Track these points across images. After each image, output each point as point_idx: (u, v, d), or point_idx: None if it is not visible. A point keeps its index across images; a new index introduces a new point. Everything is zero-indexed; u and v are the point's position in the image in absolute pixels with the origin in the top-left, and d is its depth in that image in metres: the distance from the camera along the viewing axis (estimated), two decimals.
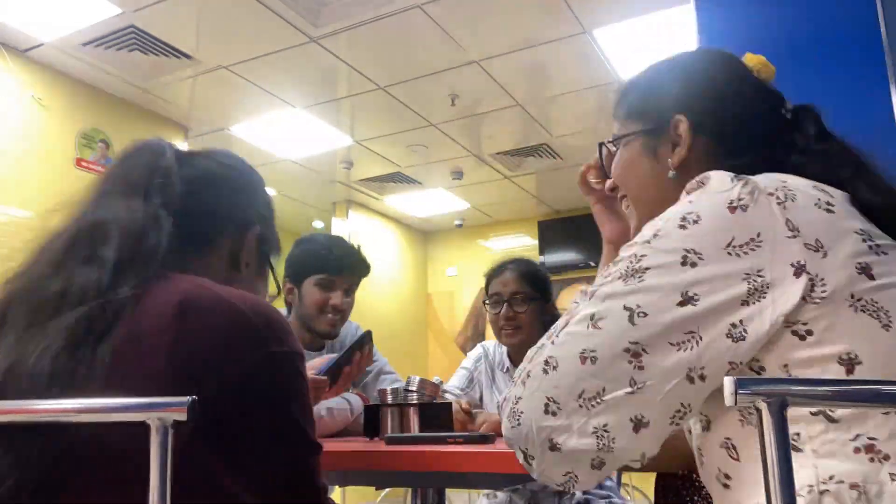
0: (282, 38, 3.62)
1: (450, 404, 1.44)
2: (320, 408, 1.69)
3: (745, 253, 0.69)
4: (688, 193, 0.77)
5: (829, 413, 0.66)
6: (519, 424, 0.73)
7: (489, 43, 3.69)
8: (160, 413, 0.55)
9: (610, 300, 0.72)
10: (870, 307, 0.68)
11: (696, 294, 0.69)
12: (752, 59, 0.93)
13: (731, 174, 0.75)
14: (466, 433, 1.18)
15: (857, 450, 0.65)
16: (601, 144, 1.02)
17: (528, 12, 3.40)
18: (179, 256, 0.82)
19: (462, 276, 7.04)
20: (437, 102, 4.36)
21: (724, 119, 0.87)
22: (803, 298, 0.67)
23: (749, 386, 0.52)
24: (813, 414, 0.67)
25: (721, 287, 0.69)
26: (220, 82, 4.04)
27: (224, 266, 0.90)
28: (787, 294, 0.67)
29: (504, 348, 2.16)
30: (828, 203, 0.73)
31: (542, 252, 6.47)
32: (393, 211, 6.63)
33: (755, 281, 0.68)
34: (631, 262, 0.73)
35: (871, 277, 0.69)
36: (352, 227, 6.18)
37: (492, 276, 2.11)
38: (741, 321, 0.68)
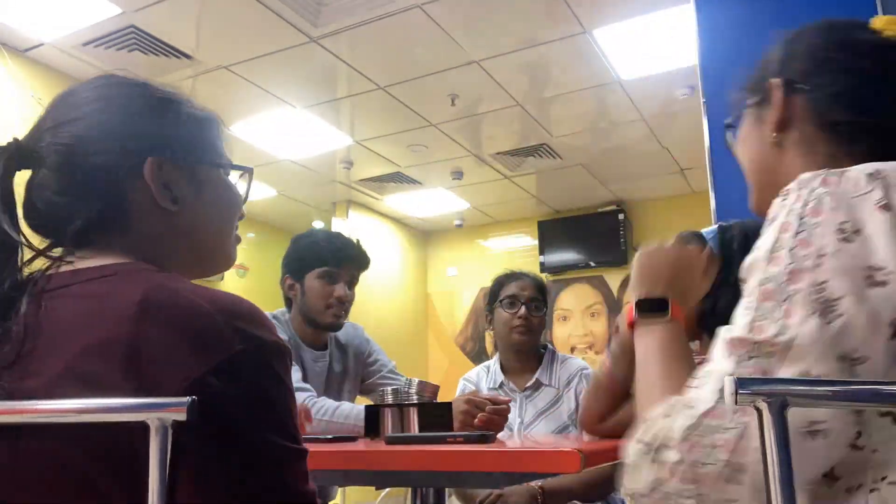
0: (282, 38, 3.62)
1: (449, 404, 1.44)
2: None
3: None
4: (803, 190, 0.68)
5: None
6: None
7: (489, 43, 3.69)
8: (160, 413, 0.55)
9: (820, 350, 0.60)
10: None
11: None
12: (878, 21, 0.87)
13: (856, 174, 0.67)
14: (466, 433, 1.18)
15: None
16: (726, 126, 0.97)
17: (528, 12, 3.40)
18: (113, 237, 0.75)
19: (462, 276, 7.04)
20: (437, 102, 4.35)
21: (818, 76, 0.83)
22: None
23: (749, 386, 0.52)
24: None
25: None
26: (220, 82, 4.04)
27: (156, 221, 0.78)
28: None
29: (497, 364, 2.22)
30: None
31: (542, 252, 6.47)
32: (393, 211, 6.63)
33: None
34: (814, 293, 0.62)
35: None
36: (352, 227, 6.18)
37: (508, 279, 2.23)
38: None
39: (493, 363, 2.26)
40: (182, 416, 0.55)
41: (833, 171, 0.69)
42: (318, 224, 6.72)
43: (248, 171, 0.87)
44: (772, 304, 0.63)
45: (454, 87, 4.17)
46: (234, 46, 3.72)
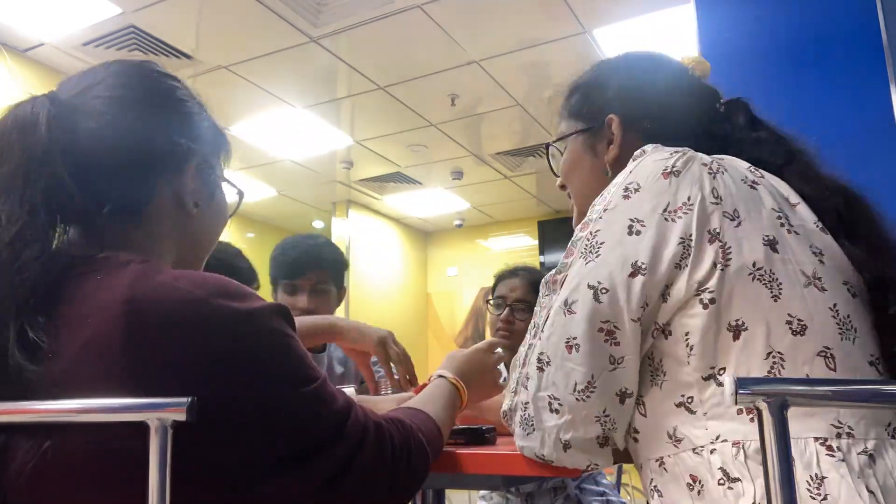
0: (282, 38, 3.62)
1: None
2: None
3: (679, 217, 0.74)
4: (630, 163, 0.82)
5: (718, 376, 0.71)
6: (533, 430, 0.76)
7: (489, 43, 3.69)
8: (160, 413, 0.55)
9: (577, 281, 0.76)
10: (766, 277, 0.72)
11: (643, 264, 0.73)
12: (687, 60, 0.99)
13: (673, 148, 0.80)
14: (466, 433, 1.18)
15: (739, 411, 0.70)
16: (547, 145, 1.08)
17: (528, 12, 3.40)
18: (123, 228, 0.74)
19: (462, 276, 7.04)
20: (437, 102, 4.35)
21: (654, 116, 0.93)
22: (714, 265, 0.72)
23: (749, 386, 0.52)
24: (704, 378, 0.72)
25: (660, 253, 0.73)
26: (220, 82, 4.04)
27: (173, 219, 0.78)
28: (703, 260, 0.72)
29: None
30: (753, 182, 0.79)
31: (542, 252, 6.47)
32: (393, 211, 6.63)
33: (685, 245, 0.73)
34: (588, 239, 0.77)
35: (776, 251, 0.73)
36: (352, 227, 6.18)
37: (501, 278, 2.13)
38: (671, 283, 0.73)
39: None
40: (182, 416, 0.55)
41: (652, 145, 0.82)
42: (317, 224, 6.72)
43: (241, 193, 0.91)
44: (567, 250, 0.80)
45: (454, 87, 4.17)
46: (234, 46, 3.71)
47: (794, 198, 0.81)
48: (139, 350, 0.61)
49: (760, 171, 0.82)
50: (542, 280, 0.81)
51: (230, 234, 1.03)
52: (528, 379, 0.77)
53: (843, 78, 1.91)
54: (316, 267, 1.97)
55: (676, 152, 0.79)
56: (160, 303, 0.63)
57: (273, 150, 4.97)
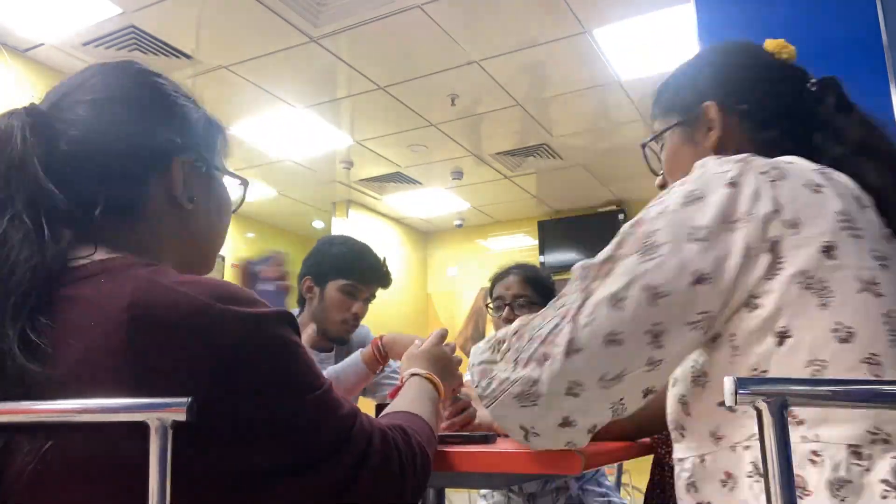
0: (282, 38, 3.62)
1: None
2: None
3: (740, 228, 0.73)
4: (692, 172, 0.80)
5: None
6: (534, 405, 0.75)
7: (489, 43, 3.69)
8: (160, 413, 0.55)
9: (629, 278, 0.73)
10: (816, 285, 0.71)
11: (706, 273, 0.72)
12: (771, 44, 0.98)
13: (734, 157, 0.79)
14: (466, 433, 1.18)
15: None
16: (643, 145, 1.07)
17: (528, 12, 3.40)
18: (117, 232, 0.73)
19: (462, 276, 7.04)
20: (437, 102, 4.35)
21: (749, 98, 0.93)
22: (765, 274, 0.72)
23: (749, 386, 0.52)
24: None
25: (724, 263, 0.72)
26: (220, 82, 4.04)
27: (170, 216, 0.78)
28: (757, 269, 0.72)
29: None
30: (818, 184, 0.77)
31: (542, 252, 6.47)
32: (393, 211, 6.63)
33: (746, 255, 0.72)
34: (645, 238, 0.75)
35: (832, 257, 0.72)
36: (352, 227, 6.18)
37: (496, 279, 2.11)
38: (733, 293, 0.73)
39: None
40: (182, 416, 0.55)
41: (715, 156, 0.81)
42: (317, 224, 6.72)
43: (244, 182, 0.90)
44: (615, 242, 0.78)
45: (454, 87, 4.17)
46: (234, 46, 3.71)
47: (865, 199, 0.79)
48: (143, 355, 0.61)
49: (828, 170, 0.80)
50: (577, 265, 0.79)
51: (229, 235, 1.04)
52: (546, 359, 0.74)
53: (843, 78, 1.91)
54: (385, 282, 2.06)
55: (738, 161, 0.78)
56: (164, 307, 0.63)
57: (273, 150, 4.97)
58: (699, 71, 0.99)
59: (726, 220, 0.73)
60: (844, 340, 0.70)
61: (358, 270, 1.99)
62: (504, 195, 6.15)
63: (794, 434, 0.68)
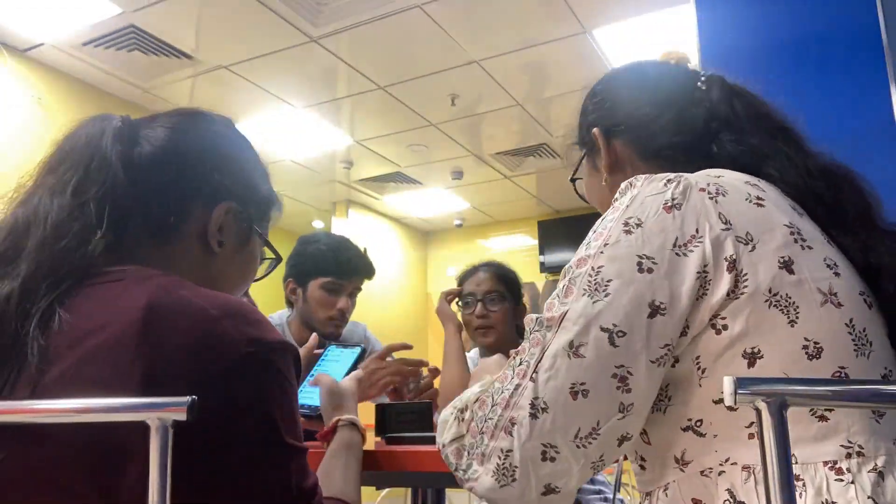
0: (282, 38, 3.62)
1: (429, 404, 1.43)
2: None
3: (691, 251, 0.70)
4: (620, 196, 0.78)
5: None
6: (514, 481, 0.70)
7: (489, 43, 3.69)
8: (160, 413, 0.55)
9: (584, 322, 0.69)
10: (782, 302, 0.70)
11: (661, 303, 0.69)
12: (664, 55, 1.00)
13: (665, 176, 0.76)
14: None
15: (750, 435, 0.68)
16: (572, 179, 1.07)
17: (528, 12, 3.40)
18: (145, 249, 0.77)
19: None
20: (437, 102, 4.35)
21: (627, 115, 0.94)
22: (728, 294, 0.69)
23: (749, 386, 0.52)
24: (715, 402, 0.70)
25: (678, 291, 0.69)
26: (220, 82, 4.04)
27: (195, 251, 0.81)
28: (718, 289, 0.70)
29: (476, 354, 2.17)
30: (758, 198, 0.76)
31: (542, 252, 6.47)
32: (393, 211, 6.63)
33: (703, 277, 0.70)
34: (591, 276, 0.71)
35: (791, 272, 0.71)
36: (352, 227, 6.18)
37: (465, 277, 2.12)
38: (692, 318, 0.70)
39: (475, 357, 2.17)
40: (182, 416, 0.55)
41: (642, 175, 0.78)
42: (317, 224, 6.72)
43: (277, 259, 0.95)
44: (560, 288, 0.74)
45: (454, 87, 4.17)
46: (234, 46, 3.71)
47: (798, 206, 0.79)
48: (150, 357, 0.62)
49: (754, 180, 0.79)
50: (528, 317, 0.75)
51: None
52: (513, 425, 0.70)
53: (843, 78, 1.91)
54: (366, 273, 2.02)
55: (670, 181, 0.75)
56: (176, 314, 0.64)
57: (273, 150, 4.96)
58: (588, 101, 1.01)
59: (676, 245, 0.70)
60: (814, 356, 0.68)
61: (336, 266, 1.96)
62: (504, 195, 6.16)
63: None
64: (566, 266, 0.76)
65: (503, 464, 0.70)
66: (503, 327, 2.03)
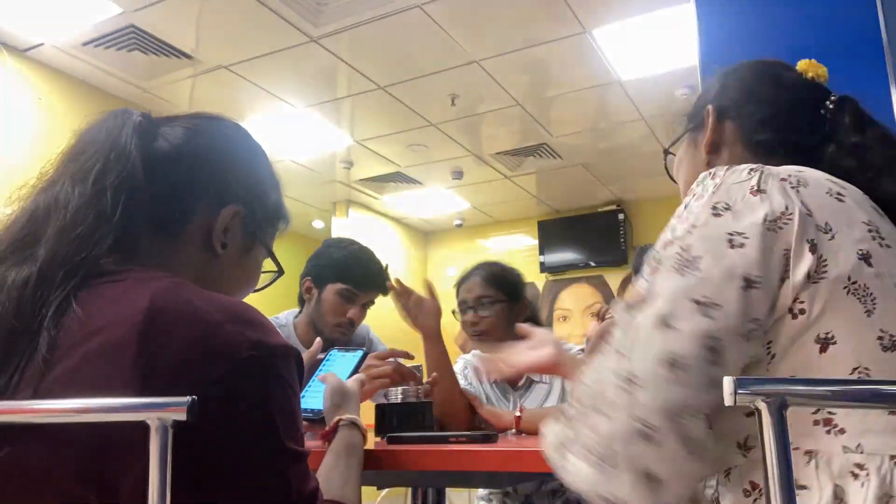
0: (282, 38, 3.62)
1: (430, 403, 1.43)
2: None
3: (781, 228, 0.70)
4: (700, 183, 0.78)
5: None
6: (616, 466, 0.66)
7: (489, 43, 3.69)
8: (160, 413, 0.55)
9: (675, 296, 0.69)
10: (860, 291, 0.70)
11: (755, 276, 0.69)
12: (802, 64, 1.00)
13: (747, 166, 0.77)
14: (468, 433, 1.18)
15: (815, 422, 0.68)
16: (665, 151, 1.08)
17: (528, 12, 3.40)
18: (150, 244, 0.77)
19: None
20: (437, 102, 4.35)
21: (747, 104, 0.94)
22: (808, 276, 0.69)
23: (749, 386, 0.52)
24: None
25: (770, 264, 0.70)
26: (220, 82, 4.04)
27: (198, 251, 0.81)
28: (800, 270, 0.70)
29: (474, 357, 2.15)
30: (839, 193, 0.76)
31: (542, 252, 6.47)
32: (393, 211, 6.63)
33: (786, 256, 0.70)
34: (680, 254, 0.71)
35: (870, 265, 0.71)
36: (352, 227, 6.18)
37: (459, 283, 2.12)
38: (778, 296, 0.70)
39: (472, 360, 2.14)
40: (182, 416, 0.55)
41: (723, 166, 0.78)
42: (317, 224, 6.71)
43: (279, 273, 0.95)
44: (648, 270, 0.74)
45: (454, 87, 4.17)
46: (234, 46, 3.71)
47: (879, 209, 0.79)
48: (150, 357, 0.62)
49: (842, 182, 0.79)
50: (616, 305, 0.76)
51: None
52: (608, 404, 0.67)
53: (843, 78, 1.91)
54: (381, 290, 2.02)
55: (753, 170, 0.75)
56: (178, 316, 0.64)
57: (273, 149, 4.96)
58: (712, 82, 1.01)
59: (766, 220, 0.70)
60: (889, 349, 0.68)
61: (358, 276, 1.98)
62: (504, 195, 6.15)
63: (835, 444, 0.66)
64: (651, 252, 0.75)
65: (607, 451, 0.67)
66: (498, 330, 2.02)
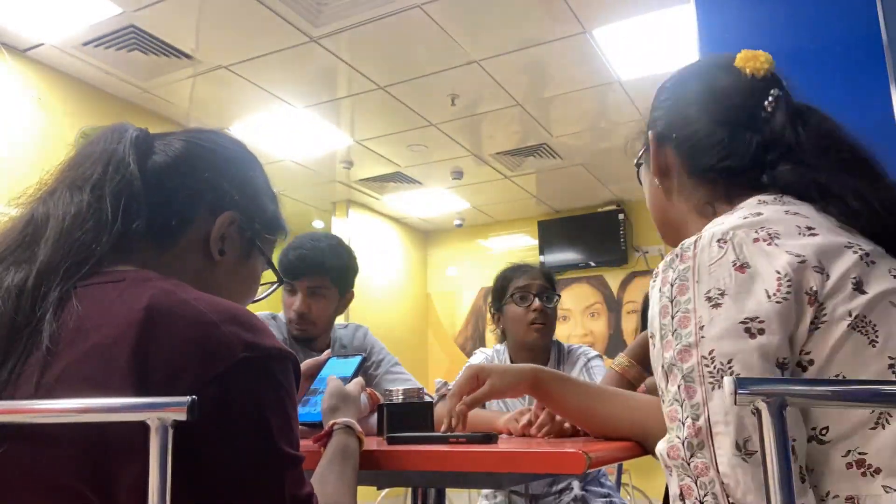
0: (282, 38, 3.62)
1: (430, 404, 1.43)
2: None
3: (786, 298, 0.69)
4: (670, 271, 0.75)
5: (820, 436, 0.68)
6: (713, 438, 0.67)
7: (489, 43, 3.69)
8: (160, 413, 0.55)
9: (730, 419, 0.66)
10: (861, 324, 0.69)
11: (784, 357, 0.68)
12: (740, 58, 0.93)
13: (710, 236, 0.74)
14: (469, 433, 1.18)
15: (848, 465, 0.66)
16: (636, 164, 1.07)
17: (528, 12, 3.40)
18: (149, 250, 0.78)
19: (462, 276, 7.03)
20: (437, 102, 4.35)
21: (682, 129, 0.92)
22: (810, 325, 0.69)
23: (748, 386, 0.52)
24: (807, 440, 0.68)
25: (792, 337, 0.69)
26: (220, 82, 4.04)
27: (197, 258, 0.82)
28: (803, 323, 0.69)
29: (506, 353, 2.13)
30: (808, 227, 0.75)
31: (542, 252, 6.47)
32: (393, 211, 6.63)
33: (804, 319, 0.69)
34: (707, 366, 0.69)
35: (864, 292, 0.70)
36: (352, 227, 6.18)
37: (515, 272, 2.10)
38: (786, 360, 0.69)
39: (503, 354, 2.12)
40: (182, 416, 0.55)
41: (686, 243, 0.75)
42: (317, 224, 6.72)
43: (279, 282, 0.97)
44: (674, 389, 0.71)
45: (454, 87, 4.17)
46: (234, 46, 3.71)
47: (845, 225, 0.78)
48: (146, 356, 0.62)
49: (802, 211, 0.78)
50: (668, 448, 0.71)
51: None
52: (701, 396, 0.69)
53: (843, 78, 1.91)
54: (313, 272, 1.92)
55: (722, 243, 0.73)
56: (175, 316, 0.64)
57: (273, 150, 4.96)
58: (657, 96, 1.01)
59: (770, 299, 0.69)
60: None
61: (284, 266, 1.89)
62: (504, 195, 6.15)
63: (873, 485, 0.65)
64: (666, 363, 0.72)
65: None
66: (553, 330, 2.10)
